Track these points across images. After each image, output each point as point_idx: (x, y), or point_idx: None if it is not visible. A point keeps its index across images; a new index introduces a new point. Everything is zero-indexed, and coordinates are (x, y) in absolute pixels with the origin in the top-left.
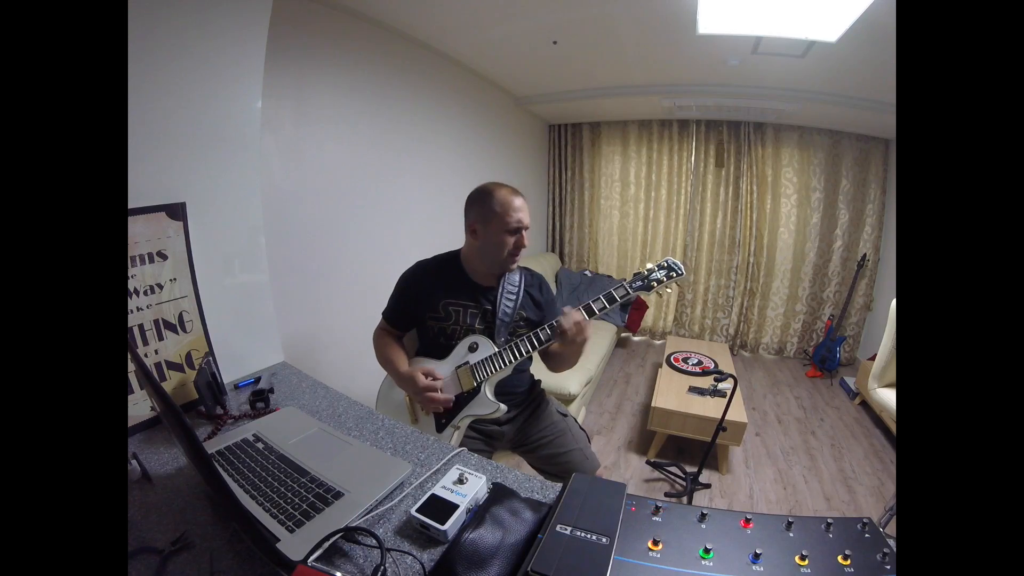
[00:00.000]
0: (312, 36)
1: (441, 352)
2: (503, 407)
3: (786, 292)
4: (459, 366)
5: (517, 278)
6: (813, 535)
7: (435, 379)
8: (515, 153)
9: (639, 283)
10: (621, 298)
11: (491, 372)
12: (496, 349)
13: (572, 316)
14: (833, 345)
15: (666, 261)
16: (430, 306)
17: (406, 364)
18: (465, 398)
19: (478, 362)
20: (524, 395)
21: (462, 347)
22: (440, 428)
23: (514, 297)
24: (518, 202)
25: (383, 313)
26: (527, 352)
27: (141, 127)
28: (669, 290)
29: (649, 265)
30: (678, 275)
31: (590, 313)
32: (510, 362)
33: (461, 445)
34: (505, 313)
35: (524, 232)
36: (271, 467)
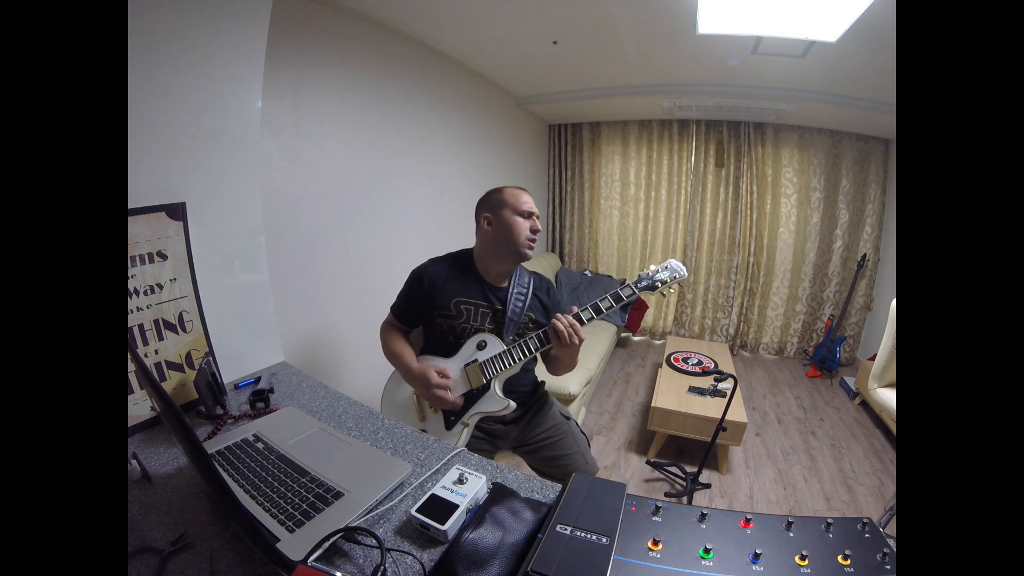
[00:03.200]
0: (312, 36)
1: (449, 350)
2: (513, 404)
3: (786, 292)
4: (468, 364)
5: (527, 280)
6: (813, 535)
7: (447, 378)
8: (515, 153)
9: (644, 283)
10: (627, 298)
11: (500, 369)
12: (505, 347)
13: (563, 319)
14: (833, 345)
15: (669, 263)
16: (441, 303)
17: (415, 361)
18: (475, 395)
19: (487, 359)
20: (529, 395)
21: (470, 345)
22: (449, 426)
23: (523, 298)
24: (527, 195)
25: (391, 308)
26: (535, 349)
27: (141, 127)
28: (672, 290)
29: (652, 266)
30: (680, 277)
31: (597, 311)
32: (519, 359)
33: (467, 444)
34: (514, 313)
35: (536, 218)
36: (271, 467)
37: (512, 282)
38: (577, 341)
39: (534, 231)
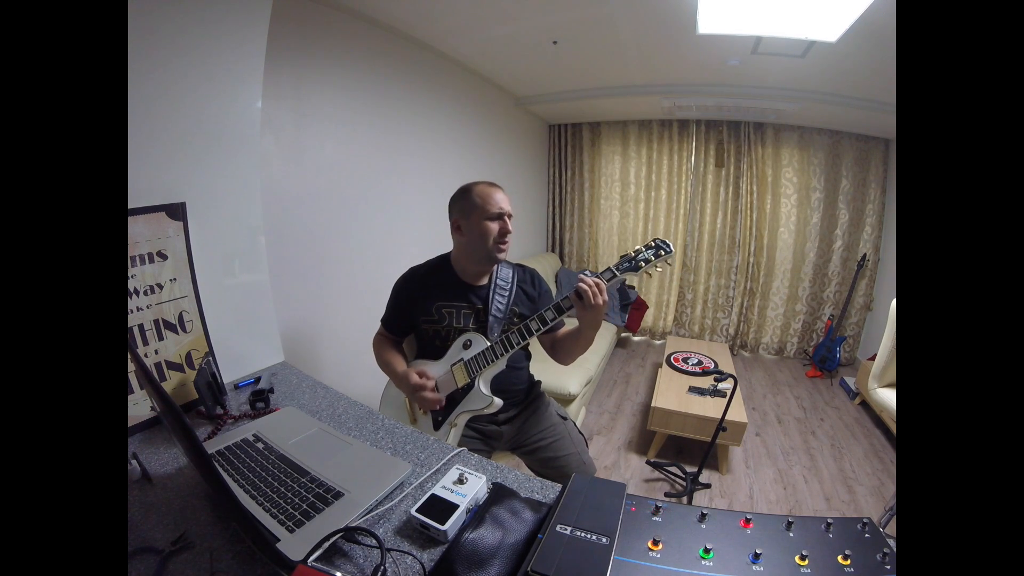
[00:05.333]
0: (312, 36)
1: (437, 353)
2: (498, 400)
3: (786, 292)
4: (454, 364)
5: (509, 274)
6: (813, 535)
7: (427, 378)
8: (515, 153)
9: (626, 264)
10: (608, 280)
11: (484, 366)
12: (488, 344)
13: (588, 279)
14: (833, 345)
15: (654, 241)
16: (424, 310)
17: (403, 365)
18: (460, 394)
19: (471, 358)
20: (523, 394)
21: (456, 346)
22: (437, 426)
23: (506, 294)
24: (498, 193)
25: (381, 320)
26: (519, 342)
27: (141, 127)
28: (659, 268)
29: (637, 246)
30: (667, 253)
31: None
32: (502, 354)
33: (460, 445)
34: (498, 310)
35: (507, 219)
36: (271, 467)
37: (492, 279)
38: (600, 301)
39: (504, 233)
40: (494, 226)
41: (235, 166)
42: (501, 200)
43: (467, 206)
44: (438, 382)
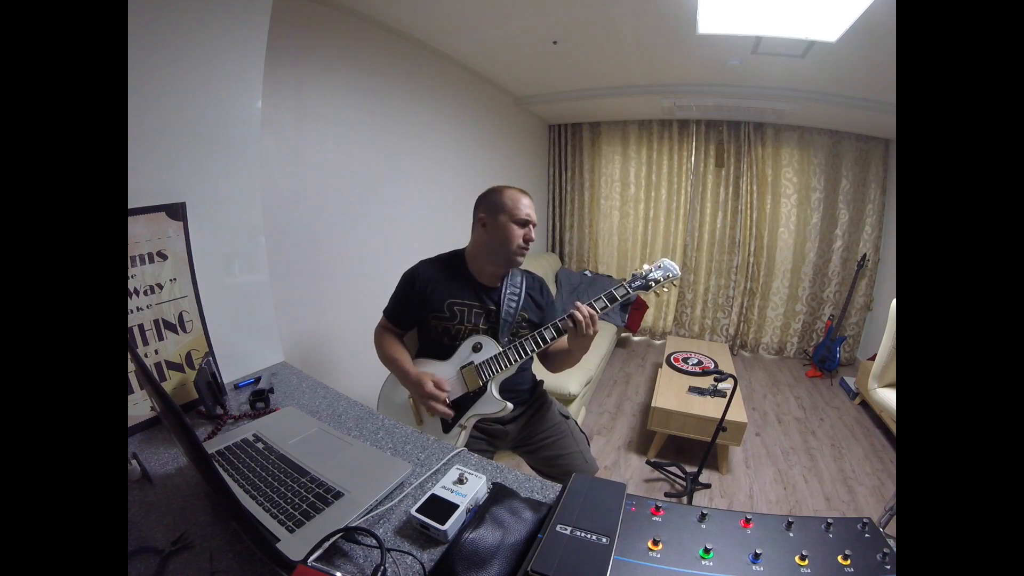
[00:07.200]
0: (312, 36)
1: (444, 352)
2: (510, 405)
3: (786, 292)
4: (464, 366)
5: (519, 280)
6: (813, 535)
7: (443, 390)
8: (515, 153)
9: (638, 283)
10: (621, 297)
11: (496, 371)
12: (500, 348)
13: (583, 308)
14: (833, 345)
15: (662, 262)
16: (434, 306)
17: (412, 365)
18: (471, 397)
19: (483, 362)
20: (528, 394)
21: (466, 347)
22: (447, 428)
23: (517, 298)
24: (528, 200)
25: (384, 311)
26: (531, 351)
27: (141, 127)
28: (666, 290)
29: (647, 266)
30: (674, 276)
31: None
32: (515, 361)
33: (466, 444)
34: (508, 313)
35: (532, 227)
36: (271, 467)
37: (505, 283)
38: (592, 332)
39: (527, 240)
40: (519, 231)
41: (235, 166)
42: (529, 208)
43: (497, 205)
44: (448, 383)
